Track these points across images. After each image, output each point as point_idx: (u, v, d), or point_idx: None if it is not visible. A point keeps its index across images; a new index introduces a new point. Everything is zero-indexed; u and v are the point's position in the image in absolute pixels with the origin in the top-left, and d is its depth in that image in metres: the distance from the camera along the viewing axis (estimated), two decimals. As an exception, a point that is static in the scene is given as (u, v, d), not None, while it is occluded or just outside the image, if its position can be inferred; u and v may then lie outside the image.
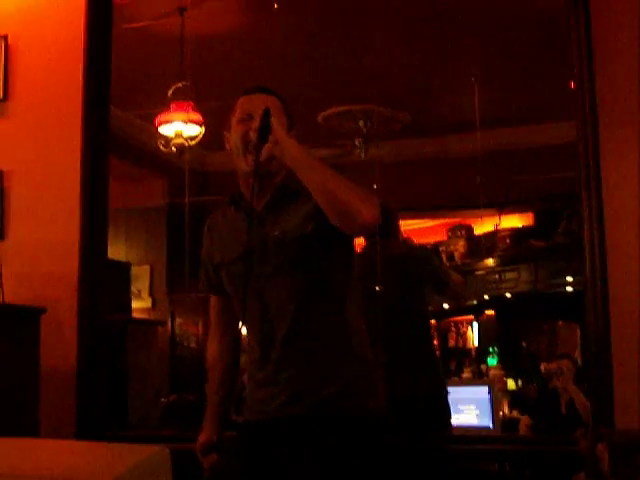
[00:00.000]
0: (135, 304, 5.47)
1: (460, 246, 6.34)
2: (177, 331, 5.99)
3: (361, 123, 5.27)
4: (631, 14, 2.75)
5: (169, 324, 5.89)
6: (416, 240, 5.31)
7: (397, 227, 3.75)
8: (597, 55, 2.75)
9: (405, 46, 4.52)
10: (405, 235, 3.97)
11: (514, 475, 2.86)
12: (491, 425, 3.85)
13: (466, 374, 5.70)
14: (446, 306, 5.82)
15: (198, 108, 4.48)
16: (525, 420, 4.18)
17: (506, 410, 4.61)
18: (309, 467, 1.86)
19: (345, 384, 1.90)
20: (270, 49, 4.50)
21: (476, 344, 6.14)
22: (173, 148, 4.51)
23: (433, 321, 5.36)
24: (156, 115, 4.54)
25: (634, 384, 2.59)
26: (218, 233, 2.10)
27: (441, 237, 6.50)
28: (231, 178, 2.07)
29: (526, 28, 4.19)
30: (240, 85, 2.09)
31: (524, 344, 5.86)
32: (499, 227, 6.14)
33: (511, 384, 5.27)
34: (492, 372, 5.39)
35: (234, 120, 2.02)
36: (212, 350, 2.17)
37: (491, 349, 5.77)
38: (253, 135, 1.93)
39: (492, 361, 5.68)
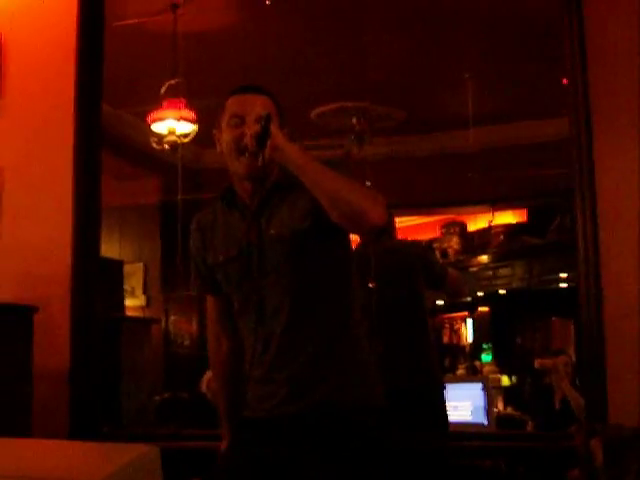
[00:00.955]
0: (129, 302, 5.46)
1: (454, 243, 6.33)
2: (171, 329, 5.98)
3: (355, 120, 5.27)
4: (624, 11, 2.75)
5: (163, 322, 5.88)
6: (410, 237, 5.32)
7: (393, 227, 3.75)
8: (590, 52, 2.75)
9: (399, 43, 4.51)
10: (399, 232, 3.96)
11: (508, 471, 2.86)
12: (485, 421, 3.86)
13: (460, 371, 5.71)
14: (440, 302, 5.81)
15: (191, 105, 4.46)
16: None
17: (500, 406, 4.63)
18: (308, 465, 1.86)
19: (344, 382, 1.90)
20: (263, 45, 4.48)
21: (470, 340, 6.13)
22: (166, 146, 4.50)
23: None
24: (149, 112, 4.53)
25: (627, 380, 2.60)
26: (210, 233, 2.06)
27: (435, 234, 6.49)
28: (225, 175, 2.04)
29: (519, 25, 4.20)
30: (233, 82, 2.06)
31: (518, 340, 5.86)
32: (493, 223, 6.14)
33: (505, 380, 5.28)
34: (486, 368, 5.40)
35: (224, 121, 1.98)
36: (219, 360, 2.14)
37: (485, 345, 5.78)
38: (249, 141, 1.88)
39: (486, 357, 5.70)
